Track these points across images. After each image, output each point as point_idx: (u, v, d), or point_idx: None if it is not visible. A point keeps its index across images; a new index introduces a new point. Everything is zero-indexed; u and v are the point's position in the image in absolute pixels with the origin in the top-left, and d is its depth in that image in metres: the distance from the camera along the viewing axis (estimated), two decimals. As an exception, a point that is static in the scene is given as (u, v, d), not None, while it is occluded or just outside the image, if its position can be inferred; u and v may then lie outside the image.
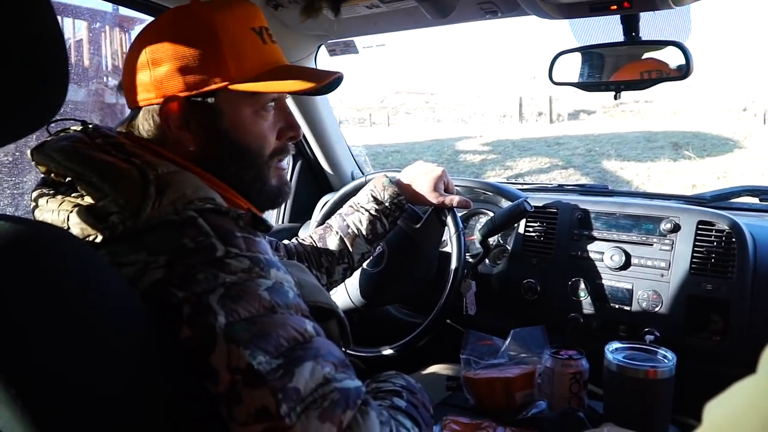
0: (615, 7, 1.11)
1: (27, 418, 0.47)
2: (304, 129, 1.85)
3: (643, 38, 1.20)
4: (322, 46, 1.72)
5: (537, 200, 1.45)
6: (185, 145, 0.79)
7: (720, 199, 1.50)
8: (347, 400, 0.63)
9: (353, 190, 1.42)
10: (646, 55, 1.22)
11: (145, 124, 0.79)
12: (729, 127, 10.24)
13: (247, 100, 0.81)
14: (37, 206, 0.73)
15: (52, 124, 0.74)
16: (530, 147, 10.37)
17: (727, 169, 8.23)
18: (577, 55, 1.27)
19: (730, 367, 1.12)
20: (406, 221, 1.34)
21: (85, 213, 0.67)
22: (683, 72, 1.16)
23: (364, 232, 1.23)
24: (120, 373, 0.56)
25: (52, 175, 0.74)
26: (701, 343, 1.20)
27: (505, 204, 1.51)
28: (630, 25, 1.18)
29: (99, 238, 0.66)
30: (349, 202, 1.29)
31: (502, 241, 1.53)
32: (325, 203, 1.55)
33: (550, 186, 1.81)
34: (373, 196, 1.25)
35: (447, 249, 1.36)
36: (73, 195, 0.71)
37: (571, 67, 1.28)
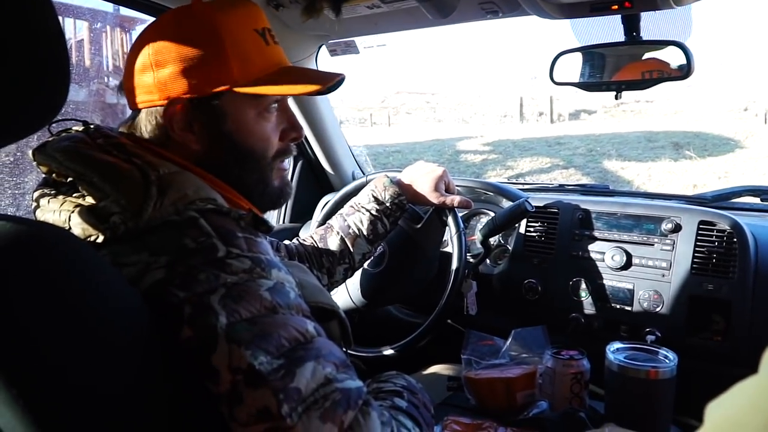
0: (616, 6, 1.11)
1: (28, 417, 0.47)
2: (305, 129, 1.85)
3: (644, 38, 1.19)
4: (323, 46, 1.72)
5: (538, 200, 1.45)
6: (188, 147, 0.79)
7: (721, 199, 1.50)
8: (348, 400, 0.63)
9: (354, 191, 1.42)
10: (647, 55, 1.22)
11: (147, 125, 0.79)
12: (730, 127, 10.23)
13: (251, 102, 0.81)
14: (38, 206, 0.73)
15: (54, 125, 0.74)
16: (531, 147, 10.36)
17: (728, 169, 8.22)
18: (578, 55, 1.27)
19: (732, 368, 1.12)
20: (407, 221, 1.34)
21: (86, 213, 0.67)
22: (684, 72, 1.16)
23: (365, 232, 1.23)
24: (121, 373, 0.56)
25: (54, 175, 0.74)
26: (702, 344, 1.20)
27: (506, 204, 1.51)
28: (631, 25, 1.18)
29: (100, 239, 0.66)
30: (350, 203, 1.29)
31: (503, 241, 1.53)
32: (326, 203, 1.55)
33: (551, 186, 1.81)
34: (374, 196, 1.25)
35: (448, 249, 1.36)
36: (74, 195, 0.71)
37: (572, 67, 1.28)
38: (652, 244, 1.29)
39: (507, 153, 10.21)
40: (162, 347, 0.61)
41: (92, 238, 0.66)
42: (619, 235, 1.33)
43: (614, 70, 1.25)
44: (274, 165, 0.87)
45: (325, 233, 1.25)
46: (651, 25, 1.19)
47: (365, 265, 1.34)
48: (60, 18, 0.55)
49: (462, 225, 1.30)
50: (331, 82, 0.83)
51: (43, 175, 0.77)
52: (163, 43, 0.76)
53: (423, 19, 1.36)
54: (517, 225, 1.45)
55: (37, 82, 0.54)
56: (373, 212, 1.24)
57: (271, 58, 0.82)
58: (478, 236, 1.44)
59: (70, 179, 0.71)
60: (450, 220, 1.30)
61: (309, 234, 1.29)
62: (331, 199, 1.53)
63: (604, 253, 1.33)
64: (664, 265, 1.26)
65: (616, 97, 1.25)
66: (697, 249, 1.23)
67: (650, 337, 1.21)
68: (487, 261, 1.50)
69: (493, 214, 1.49)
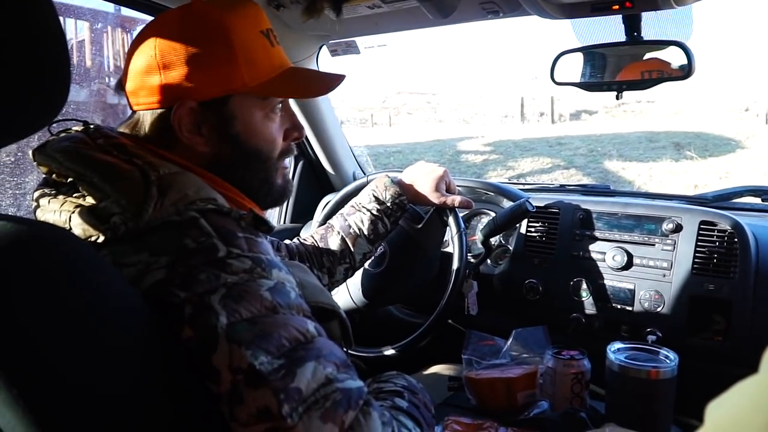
0: (617, 6, 1.11)
1: (29, 418, 0.47)
2: (306, 129, 1.85)
3: (645, 38, 1.19)
4: (324, 47, 1.72)
5: (539, 200, 1.45)
6: (195, 149, 0.79)
7: (722, 200, 1.50)
8: (349, 400, 0.63)
9: (355, 190, 1.42)
10: (648, 55, 1.22)
11: (151, 127, 0.78)
12: (731, 128, 10.22)
13: (259, 103, 0.82)
14: (38, 206, 0.73)
15: (54, 125, 0.74)
16: (532, 147, 10.36)
17: (729, 170, 8.21)
18: (579, 55, 1.27)
19: (733, 368, 1.12)
20: (407, 221, 1.34)
21: (87, 214, 0.67)
22: (685, 72, 1.16)
23: (365, 232, 1.23)
24: (121, 373, 0.56)
25: (54, 175, 0.74)
26: (703, 344, 1.20)
27: (507, 204, 1.51)
28: (632, 25, 1.18)
29: (101, 239, 0.66)
30: (350, 202, 1.29)
31: (503, 242, 1.53)
32: (327, 203, 1.55)
33: (551, 186, 1.81)
34: (374, 196, 1.25)
35: (449, 249, 1.36)
36: (74, 195, 0.70)
37: (573, 67, 1.28)
38: (653, 244, 1.29)
39: (508, 153, 10.20)
40: (162, 347, 0.61)
41: (93, 239, 0.66)
42: (620, 235, 1.33)
43: (615, 70, 1.25)
44: (278, 165, 0.88)
45: (326, 233, 1.25)
46: (652, 25, 1.19)
47: (366, 265, 1.34)
48: (61, 18, 0.55)
49: (463, 225, 1.30)
50: (336, 84, 0.85)
51: (44, 175, 0.77)
52: (169, 44, 0.75)
53: (423, 19, 1.36)
54: (517, 225, 1.45)
55: (38, 82, 0.54)
56: (374, 212, 1.24)
57: (276, 59, 0.83)
58: (478, 236, 1.44)
59: (70, 179, 0.71)
60: (451, 220, 1.30)
61: (309, 234, 1.29)
62: (331, 199, 1.53)
63: (605, 253, 1.32)
64: (665, 265, 1.26)
65: (617, 98, 1.25)
66: (698, 249, 1.23)
67: (651, 337, 1.21)
68: (488, 261, 1.50)
69: (493, 214, 1.49)
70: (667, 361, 1.01)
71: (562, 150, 10.02)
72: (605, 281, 1.32)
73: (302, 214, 1.93)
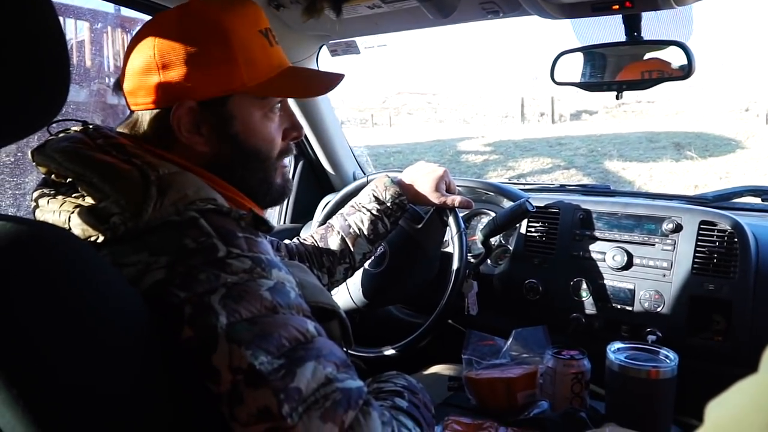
0: (617, 6, 1.11)
1: (28, 418, 0.47)
2: (306, 129, 1.85)
3: (645, 38, 1.19)
4: (324, 47, 1.72)
5: (539, 200, 1.45)
6: (195, 149, 0.79)
7: (722, 199, 1.50)
8: (349, 400, 0.63)
9: (355, 191, 1.42)
10: (648, 55, 1.22)
11: (150, 127, 0.78)
12: (731, 128, 10.22)
13: (258, 103, 0.82)
14: (37, 207, 0.73)
15: (53, 125, 0.74)
16: (532, 147, 10.36)
17: (729, 170, 8.21)
18: (579, 55, 1.27)
19: (733, 368, 1.11)
20: (407, 221, 1.34)
21: (86, 214, 0.67)
22: (685, 72, 1.16)
23: (365, 232, 1.23)
24: (121, 373, 0.56)
25: (53, 176, 0.74)
26: (703, 344, 1.20)
27: (507, 204, 1.51)
28: (632, 25, 1.18)
29: (100, 239, 0.66)
30: (350, 202, 1.29)
31: (503, 242, 1.53)
32: (327, 203, 1.55)
33: (551, 186, 1.81)
34: (374, 196, 1.25)
35: (449, 249, 1.36)
36: (74, 196, 0.70)
37: (573, 67, 1.27)
38: (653, 244, 1.29)
39: (508, 153, 10.20)
40: (162, 347, 0.61)
41: (92, 239, 0.66)
42: (620, 235, 1.33)
43: (615, 70, 1.25)
44: (278, 164, 0.88)
45: (326, 233, 1.25)
46: (652, 25, 1.19)
47: (366, 265, 1.34)
48: (61, 18, 0.55)
49: (463, 225, 1.30)
50: (335, 83, 0.85)
51: (43, 176, 0.76)
52: (168, 44, 0.75)
53: (424, 19, 1.36)
54: (517, 225, 1.45)
55: (37, 83, 0.54)
56: (374, 212, 1.24)
57: (275, 59, 0.83)
58: (478, 236, 1.44)
59: (69, 180, 0.71)
60: (451, 220, 1.30)
61: (309, 234, 1.29)
62: (332, 199, 1.53)
63: (605, 253, 1.32)
64: (665, 265, 1.26)
65: (617, 98, 1.25)
66: (698, 249, 1.23)
67: (651, 337, 1.21)
68: (488, 261, 1.50)
69: (493, 215, 1.49)
70: (667, 361, 1.01)
71: (562, 150, 10.02)
72: (605, 281, 1.32)
73: (302, 214, 1.93)
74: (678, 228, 1.26)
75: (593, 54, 1.26)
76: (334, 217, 1.29)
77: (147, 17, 1.40)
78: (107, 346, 0.55)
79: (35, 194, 0.74)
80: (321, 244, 1.24)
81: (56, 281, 0.52)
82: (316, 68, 1.76)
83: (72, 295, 0.53)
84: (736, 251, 1.20)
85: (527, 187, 1.76)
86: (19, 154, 1.67)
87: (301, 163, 1.97)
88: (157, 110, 0.77)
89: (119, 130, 0.81)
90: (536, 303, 1.39)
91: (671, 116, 12.88)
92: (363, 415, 0.63)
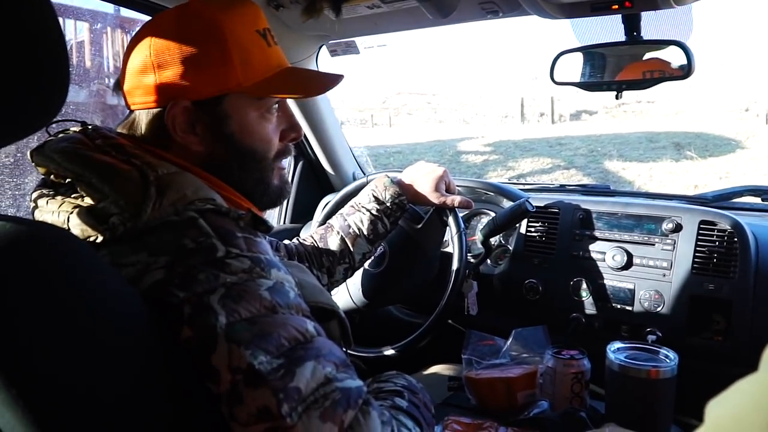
0: (616, 6, 1.11)
1: (28, 418, 0.47)
2: (306, 130, 1.85)
3: (645, 38, 1.19)
4: (324, 47, 1.72)
5: (538, 200, 1.45)
6: (190, 149, 0.79)
7: (722, 199, 1.50)
8: (348, 399, 0.63)
9: (355, 191, 1.42)
10: (647, 55, 1.22)
11: (147, 127, 0.79)
12: (731, 128, 10.22)
13: (254, 103, 0.81)
14: (36, 207, 0.73)
15: (53, 125, 0.74)
16: (532, 147, 10.36)
17: (729, 170, 8.21)
18: (579, 55, 1.27)
19: (732, 367, 1.12)
20: (407, 221, 1.34)
21: (85, 214, 0.67)
22: (685, 71, 1.16)
23: (365, 232, 1.23)
24: (121, 374, 0.56)
25: (52, 176, 0.74)
26: (703, 343, 1.20)
27: (507, 204, 1.51)
28: (631, 25, 1.18)
29: (99, 239, 0.66)
30: (350, 203, 1.29)
31: (503, 242, 1.53)
32: (327, 204, 1.55)
33: (551, 186, 1.81)
34: (374, 196, 1.25)
35: (448, 249, 1.36)
36: (73, 196, 0.70)
37: (573, 67, 1.27)
38: (653, 244, 1.29)
39: (508, 153, 10.20)
40: (162, 347, 0.60)
41: (91, 239, 0.66)
42: (620, 235, 1.33)
43: (615, 69, 1.25)
44: (275, 165, 0.87)
45: (326, 233, 1.25)
46: (652, 24, 1.19)
47: (366, 265, 1.34)
48: (60, 19, 0.55)
49: (462, 225, 1.30)
50: (333, 84, 0.84)
51: (42, 176, 0.76)
52: (164, 44, 0.75)
53: (423, 19, 1.36)
54: (517, 225, 1.45)
55: (36, 83, 0.54)
56: (374, 212, 1.24)
57: (273, 59, 0.83)
58: (478, 236, 1.44)
59: (68, 180, 0.71)
60: (450, 220, 1.30)
61: (309, 234, 1.29)
62: (331, 199, 1.53)
63: (605, 253, 1.32)
64: (664, 264, 1.26)
65: (617, 97, 1.25)
66: (697, 249, 1.23)
67: (651, 337, 1.21)
68: (488, 261, 1.50)
69: (493, 215, 1.49)
70: (667, 360, 1.01)
71: (562, 150, 10.02)
72: (605, 281, 1.32)
73: (302, 215, 1.93)
74: (678, 228, 1.26)
75: (593, 54, 1.26)
76: (333, 217, 1.29)
77: (146, 18, 1.40)
78: (106, 346, 0.55)
79: (34, 195, 0.74)
80: (321, 245, 1.24)
81: (55, 281, 0.52)
82: (316, 68, 1.76)
83: (71, 295, 0.53)
84: (736, 251, 1.20)
85: (527, 187, 1.76)
86: (18, 154, 1.67)
87: (300, 164, 1.97)
88: (154, 110, 0.78)
89: (118, 130, 0.81)
90: (536, 303, 1.39)
91: (671, 116, 12.88)
92: (362, 414, 0.63)
